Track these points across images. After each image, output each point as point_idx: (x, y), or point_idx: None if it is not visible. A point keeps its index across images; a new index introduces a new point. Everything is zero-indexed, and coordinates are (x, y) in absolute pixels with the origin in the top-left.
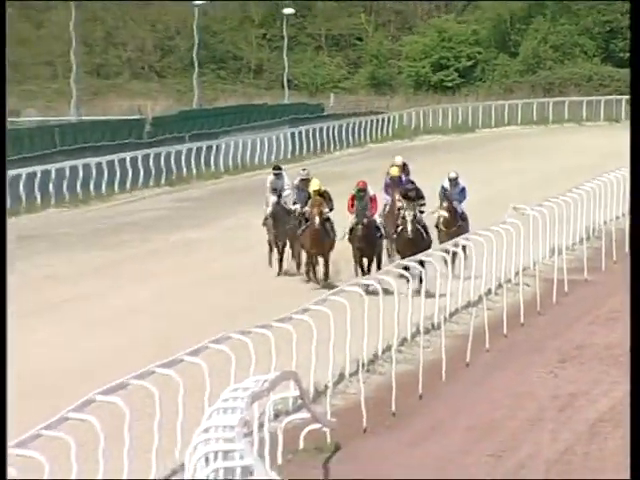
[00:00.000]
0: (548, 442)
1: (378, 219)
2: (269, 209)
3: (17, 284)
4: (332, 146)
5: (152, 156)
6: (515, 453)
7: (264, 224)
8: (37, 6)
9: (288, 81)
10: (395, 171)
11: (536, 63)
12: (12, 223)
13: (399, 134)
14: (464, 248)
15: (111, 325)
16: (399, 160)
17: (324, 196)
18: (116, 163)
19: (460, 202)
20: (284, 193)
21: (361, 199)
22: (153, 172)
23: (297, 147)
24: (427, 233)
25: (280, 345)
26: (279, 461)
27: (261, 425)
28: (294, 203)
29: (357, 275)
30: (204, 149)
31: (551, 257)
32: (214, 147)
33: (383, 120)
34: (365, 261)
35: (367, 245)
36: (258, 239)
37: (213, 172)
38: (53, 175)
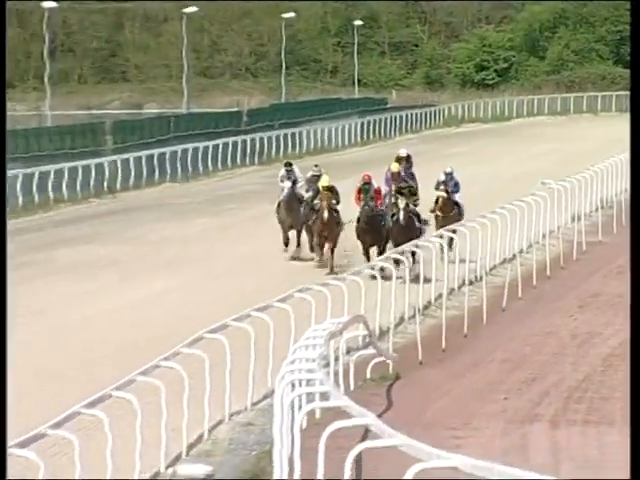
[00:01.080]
0: (569, 372)
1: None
2: (283, 196)
3: (135, 246)
4: (393, 132)
5: (248, 141)
6: (542, 381)
7: (277, 212)
8: (156, 19)
9: (358, 80)
10: (395, 167)
11: (560, 65)
12: (134, 196)
13: (448, 123)
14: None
15: (216, 279)
16: (404, 152)
17: (332, 190)
18: (219, 147)
19: (455, 193)
20: (297, 185)
21: (367, 191)
22: (249, 154)
23: (365, 133)
24: (419, 221)
25: (352, 294)
26: (351, 388)
27: (336, 358)
28: (307, 191)
29: (367, 261)
30: (290, 135)
31: (572, 222)
32: (298, 133)
33: (435, 111)
34: (373, 248)
35: (372, 233)
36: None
37: (297, 153)
38: (168, 156)
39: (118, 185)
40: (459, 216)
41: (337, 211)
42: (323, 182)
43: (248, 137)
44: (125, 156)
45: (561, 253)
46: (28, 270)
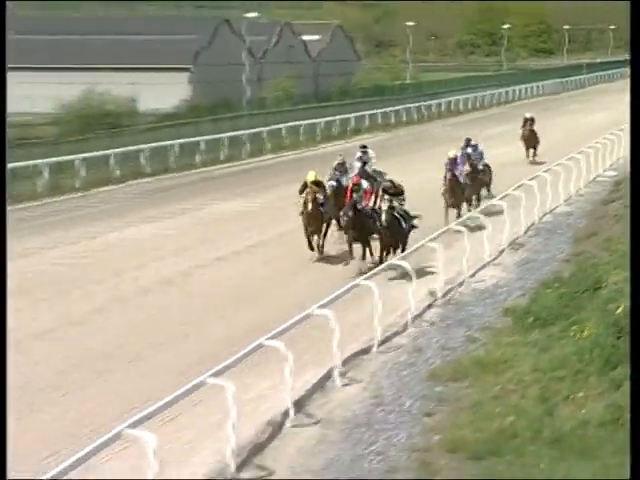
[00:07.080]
0: None
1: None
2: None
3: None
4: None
5: (569, 81)
6: None
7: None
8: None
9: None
10: (452, 154)
11: None
12: (529, 102)
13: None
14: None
15: None
16: (529, 115)
17: (319, 185)
18: (570, 82)
19: (480, 159)
20: (369, 164)
21: (356, 192)
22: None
23: (590, 81)
24: (405, 221)
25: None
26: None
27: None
28: (329, 179)
29: (350, 254)
30: (589, 77)
31: None
32: (590, 77)
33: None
34: (361, 245)
35: (355, 231)
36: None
37: (585, 83)
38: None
39: (511, 99)
40: (486, 180)
41: (323, 204)
42: (310, 177)
43: (567, 79)
44: (539, 84)
45: None
46: None
